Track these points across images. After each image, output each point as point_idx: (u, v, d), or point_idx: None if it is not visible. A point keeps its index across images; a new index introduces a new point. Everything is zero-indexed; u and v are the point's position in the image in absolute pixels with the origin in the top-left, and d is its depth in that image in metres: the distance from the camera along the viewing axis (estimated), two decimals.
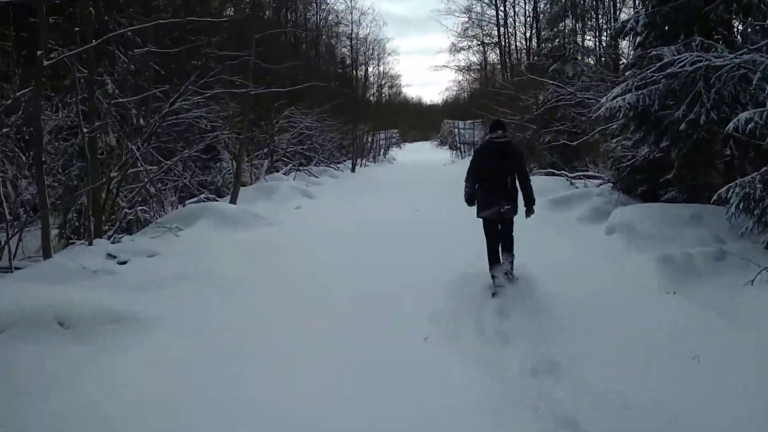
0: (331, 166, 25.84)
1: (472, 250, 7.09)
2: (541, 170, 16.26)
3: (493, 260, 6.26)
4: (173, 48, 12.75)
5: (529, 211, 6.56)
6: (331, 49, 35.56)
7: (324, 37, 33.44)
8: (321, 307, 5.68)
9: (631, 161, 11.58)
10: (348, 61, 34.44)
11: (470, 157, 6.91)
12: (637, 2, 18.47)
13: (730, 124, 7.10)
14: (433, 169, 30.20)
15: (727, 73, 8.05)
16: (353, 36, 33.00)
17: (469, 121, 40.22)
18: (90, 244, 6.68)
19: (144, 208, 8.66)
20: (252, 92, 11.36)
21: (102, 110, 12.95)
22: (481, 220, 6.33)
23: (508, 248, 6.34)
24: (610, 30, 11.09)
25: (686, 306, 5.30)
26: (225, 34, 11.21)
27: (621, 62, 19.62)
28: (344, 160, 29.08)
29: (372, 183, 21.75)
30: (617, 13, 19.03)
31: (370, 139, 39.04)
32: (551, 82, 15.59)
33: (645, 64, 9.45)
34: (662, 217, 8.33)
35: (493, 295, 5.95)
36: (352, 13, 32.96)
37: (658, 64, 8.55)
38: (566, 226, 10.12)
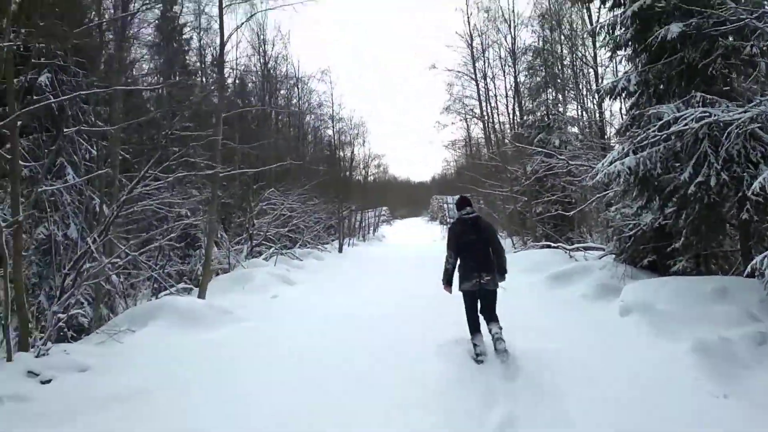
0: (318, 247, 24.85)
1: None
2: (536, 243, 15.30)
3: (474, 329, 6.35)
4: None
5: (501, 278, 6.54)
6: (316, 131, 35.45)
7: (308, 118, 33.35)
8: None
9: (634, 230, 10.68)
10: (332, 142, 34.15)
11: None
12: (621, 68, 18.21)
13: (756, 184, 6.23)
14: (422, 245, 29.24)
15: (736, 130, 7.29)
16: (335, 116, 32.86)
17: (458, 196, 39.64)
18: (8, 359, 5.51)
19: (81, 311, 7.49)
20: (220, 173, 10.47)
21: (63, 201, 12.11)
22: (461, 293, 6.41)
23: (494, 319, 6.32)
24: (599, 92, 10.41)
25: (744, 413, 4.17)
26: (188, 113, 10.43)
27: (608, 129, 19.21)
28: (332, 241, 28.14)
29: (359, 264, 20.66)
30: (599, 80, 18.72)
31: (358, 217, 38.35)
32: (541, 149, 14.95)
33: (643, 124, 8.72)
34: (682, 293, 7.30)
35: (477, 362, 5.97)
36: (332, 95, 32.95)
37: (658, 123, 7.79)
38: (571, 304, 9.04)
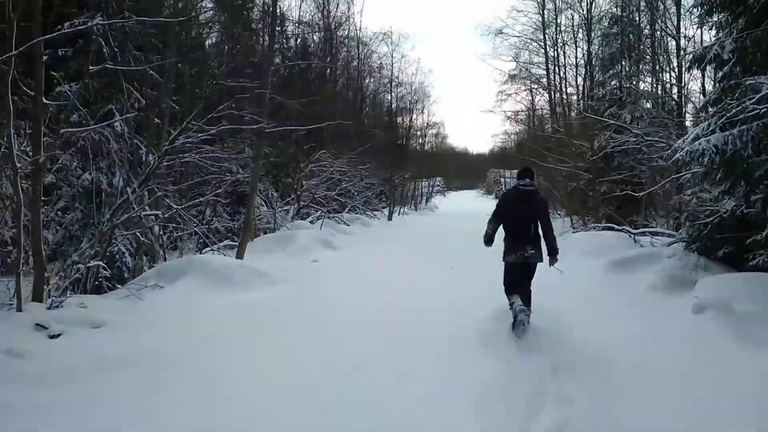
0: (368, 213, 24.36)
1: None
2: (598, 224, 14.27)
3: (511, 290, 6.23)
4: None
5: (553, 260, 6.45)
6: (375, 96, 34.66)
7: (367, 81, 32.61)
8: None
9: (711, 217, 9.61)
10: (390, 107, 33.34)
11: None
12: (707, 38, 16.62)
13: None
14: (476, 218, 28.22)
15: None
16: (393, 79, 31.98)
17: (516, 170, 38.34)
18: (19, 309, 5.18)
19: (100, 263, 7.15)
20: (265, 129, 9.95)
21: (110, 149, 11.92)
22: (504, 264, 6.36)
23: (526, 302, 6.15)
24: (686, 60, 9.28)
25: None
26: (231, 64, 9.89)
27: (686, 107, 17.69)
28: (382, 208, 27.59)
29: (407, 233, 20.01)
30: (680, 53, 17.16)
31: (411, 186, 37.62)
32: (613, 122, 13.73)
33: (737, 97, 7.64)
34: (766, 291, 6.37)
35: (515, 321, 5.89)
36: (392, 55, 31.96)
37: (756, 97, 6.74)
38: (635, 296, 8.14)
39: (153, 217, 10.99)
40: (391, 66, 31.25)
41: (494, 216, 6.41)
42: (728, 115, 7.12)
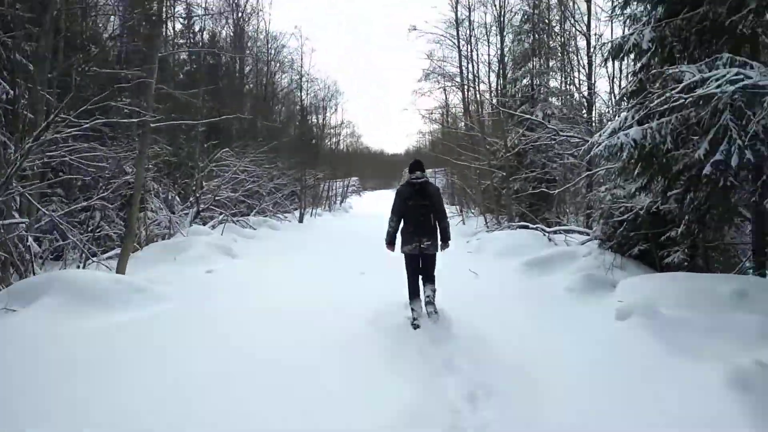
0: (277, 215, 23.17)
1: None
2: (513, 223, 13.92)
3: (413, 294, 6.55)
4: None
5: (444, 245, 6.66)
6: (288, 95, 33.36)
7: (278, 76, 31.33)
8: None
9: (626, 214, 9.35)
10: (301, 102, 32.20)
11: None
12: (619, 32, 16.73)
13: None
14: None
15: None
16: (304, 74, 30.93)
17: (430, 170, 38.37)
18: None
19: None
20: (150, 123, 8.72)
21: None
22: (402, 255, 6.64)
23: (431, 281, 6.59)
24: (598, 54, 8.92)
25: None
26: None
27: (596, 104, 17.79)
28: (293, 210, 26.44)
29: (318, 236, 19.01)
30: (590, 50, 17.21)
31: (325, 186, 36.64)
32: (530, 117, 13.39)
33: (657, 88, 7.28)
34: (694, 294, 5.96)
35: (414, 327, 6.15)
36: (302, 50, 30.91)
37: (680, 86, 6.33)
38: (553, 299, 7.64)
39: (21, 225, 9.56)
40: (301, 59, 30.14)
41: (393, 212, 6.61)
42: (651, 106, 6.71)
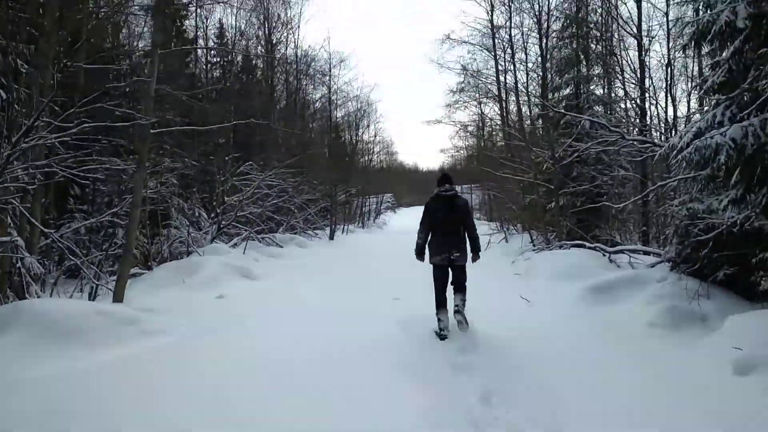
0: (308, 232, 22.04)
1: None
2: (566, 242, 12.41)
3: (440, 303, 6.46)
4: None
5: (475, 257, 6.75)
6: (322, 111, 32.47)
7: (309, 86, 30.46)
8: None
9: (712, 232, 7.81)
10: (331, 114, 31.25)
11: None
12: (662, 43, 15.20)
13: None
14: None
15: None
16: (332, 84, 30.02)
17: (466, 186, 36.88)
18: None
19: None
20: (150, 129, 7.60)
21: None
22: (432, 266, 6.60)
23: (461, 290, 6.51)
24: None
25: None
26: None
27: (649, 110, 16.22)
28: (325, 226, 25.29)
29: (349, 255, 17.76)
30: (642, 53, 15.70)
31: (358, 202, 35.52)
32: (587, 117, 11.92)
33: (759, 76, 5.84)
34: None
35: (440, 338, 6.18)
36: (330, 60, 30.02)
37: None
38: (631, 337, 6.18)
39: (22, 243, 8.57)
40: (330, 69, 29.23)
41: (422, 225, 6.65)
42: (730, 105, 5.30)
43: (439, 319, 6.33)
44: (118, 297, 7.75)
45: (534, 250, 14.29)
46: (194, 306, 7.87)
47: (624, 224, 15.63)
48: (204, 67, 21.77)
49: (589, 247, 10.71)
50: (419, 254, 6.66)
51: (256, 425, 3.88)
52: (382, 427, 3.77)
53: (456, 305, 6.32)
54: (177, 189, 15.58)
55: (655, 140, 9.54)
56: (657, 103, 15.40)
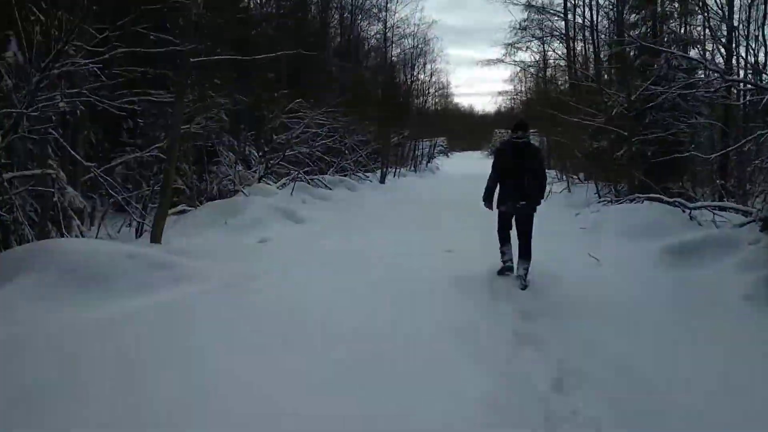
0: (358, 174, 21.43)
1: None
2: (639, 195, 11.35)
3: (504, 240, 6.53)
4: None
5: (536, 202, 6.45)
6: (377, 49, 31.31)
7: (364, 22, 29.30)
8: None
9: None
10: (386, 51, 30.10)
11: None
12: None
13: None
14: (480, 181, 25.29)
15: None
16: (387, 20, 28.78)
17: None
18: None
19: None
20: (190, 57, 6.96)
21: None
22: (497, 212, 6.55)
23: (525, 253, 6.29)
24: None
25: None
26: None
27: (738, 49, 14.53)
28: (376, 169, 24.60)
29: (400, 199, 17.06)
30: None
31: (411, 145, 34.52)
32: (674, 52, 10.59)
33: None
34: None
35: (505, 270, 6.39)
36: None
37: None
38: (725, 311, 5.31)
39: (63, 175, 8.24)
40: (386, 2, 27.98)
41: (492, 170, 6.59)
42: None
43: (502, 252, 6.45)
44: (156, 237, 7.35)
45: (600, 202, 13.26)
46: (234, 250, 7.40)
47: (695, 177, 14.34)
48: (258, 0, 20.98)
49: (666, 202, 9.65)
50: (487, 199, 6.57)
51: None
52: (434, 418, 3.13)
53: (519, 274, 6.17)
54: (227, 125, 15.11)
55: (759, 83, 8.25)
56: (747, 44, 13.66)
